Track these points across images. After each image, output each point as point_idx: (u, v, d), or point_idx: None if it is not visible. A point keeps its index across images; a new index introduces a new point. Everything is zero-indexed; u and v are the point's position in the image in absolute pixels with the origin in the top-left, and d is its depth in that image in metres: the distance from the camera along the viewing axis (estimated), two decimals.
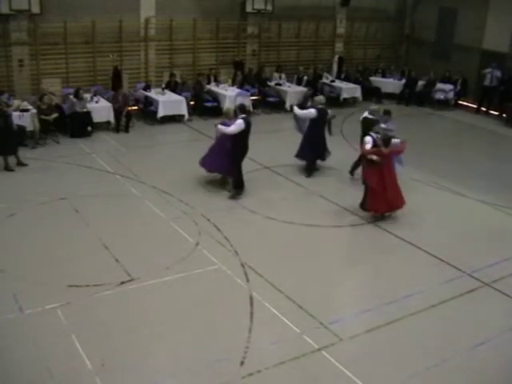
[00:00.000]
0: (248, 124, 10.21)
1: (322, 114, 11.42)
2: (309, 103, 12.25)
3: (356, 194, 10.71)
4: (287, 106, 16.78)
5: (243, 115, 10.25)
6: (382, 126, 10.36)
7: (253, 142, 10.48)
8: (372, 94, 18.73)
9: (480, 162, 13.38)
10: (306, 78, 17.93)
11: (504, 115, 17.28)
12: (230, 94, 15.78)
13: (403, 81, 19.03)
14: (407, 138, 10.23)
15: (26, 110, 12.68)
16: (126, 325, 6.64)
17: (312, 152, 11.66)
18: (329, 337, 6.58)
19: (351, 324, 6.94)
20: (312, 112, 11.35)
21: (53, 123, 13.02)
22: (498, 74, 17.66)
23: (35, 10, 13.95)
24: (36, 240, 8.52)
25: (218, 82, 16.71)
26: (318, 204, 10.46)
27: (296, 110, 11.71)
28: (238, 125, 10.09)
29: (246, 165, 10.75)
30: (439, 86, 18.58)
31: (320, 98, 11.89)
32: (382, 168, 9.41)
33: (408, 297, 7.53)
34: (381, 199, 9.46)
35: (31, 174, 11.17)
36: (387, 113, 10.97)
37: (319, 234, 9.27)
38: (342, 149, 12.67)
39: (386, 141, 9.41)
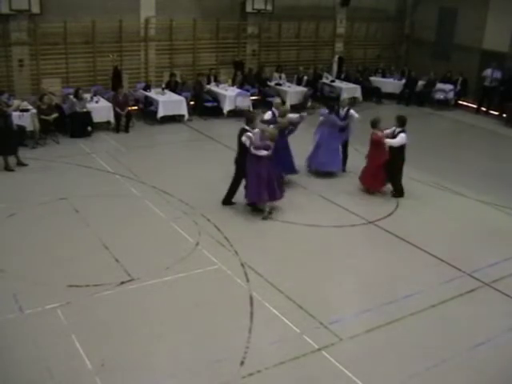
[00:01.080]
0: (239, 131, 9.71)
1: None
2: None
3: (356, 193, 10.73)
4: (287, 105, 16.78)
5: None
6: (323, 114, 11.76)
7: None
8: (372, 94, 18.74)
9: (480, 162, 13.38)
10: (306, 77, 17.93)
11: (504, 115, 17.28)
12: (230, 94, 15.80)
13: (403, 81, 19.03)
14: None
15: (26, 110, 12.69)
16: (126, 325, 6.64)
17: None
18: (329, 337, 6.58)
19: (351, 324, 6.94)
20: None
21: (53, 123, 13.02)
22: (498, 74, 17.67)
23: (35, 10, 13.97)
24: (36, 240, 8.52)
25: (218, 81, 16.71)
26: (318, 204, 10.45)
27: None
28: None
29: None
30: (439, 85, 18.57)
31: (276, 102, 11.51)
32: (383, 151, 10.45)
33: (408, 297, 7.53)
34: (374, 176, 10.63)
35: (31, 173, 11.17)
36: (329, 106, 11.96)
37: (319, 234, 9.27)
38: None
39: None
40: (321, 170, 11.65)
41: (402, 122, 10.52)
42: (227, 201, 10.05)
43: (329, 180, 11.60)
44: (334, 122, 11.42)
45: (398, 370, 6.12)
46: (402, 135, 10.34)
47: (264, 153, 9.29)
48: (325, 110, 11.80)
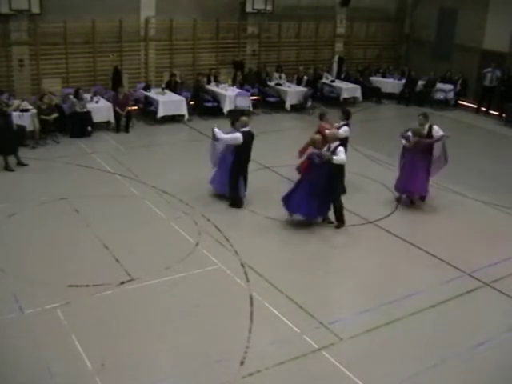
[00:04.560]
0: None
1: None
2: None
3: (356, 193, 10.74)
4: (287, 105, 16.82)
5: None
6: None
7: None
8: (372, 93, 18.74)
9: (480, 162, 13.37)
10: (306, 78, 17.93)
11: (504, 115, 17.28)
12: (230, 94, 15.80)
13: (403, 81, 19.04)
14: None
15: (26, 110, 12.69)
16: (126, 325, 6.64)
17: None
18: (329, 337, 6.59)
19: (351, 324, 6.94)
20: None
21: (53, 123, 13.02)
22: (498, 73, 17.67)
23: (35, 10, 13.96)
24: (36, 240, 8.52)
25: (218, 82, 16.71)
26: None
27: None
28: None
29: None
30: (439, 85, 18.59)
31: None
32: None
33: (408, 297, 7.53)
34: None
35: (31, 173, 11.17)
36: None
37: (319, 234, 9.27)
38: None
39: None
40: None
41: (346, 115, 10.59)
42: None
43: None
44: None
45: (398, 370, 6.12)
46: (346, 128, 10.30)
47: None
48: None
